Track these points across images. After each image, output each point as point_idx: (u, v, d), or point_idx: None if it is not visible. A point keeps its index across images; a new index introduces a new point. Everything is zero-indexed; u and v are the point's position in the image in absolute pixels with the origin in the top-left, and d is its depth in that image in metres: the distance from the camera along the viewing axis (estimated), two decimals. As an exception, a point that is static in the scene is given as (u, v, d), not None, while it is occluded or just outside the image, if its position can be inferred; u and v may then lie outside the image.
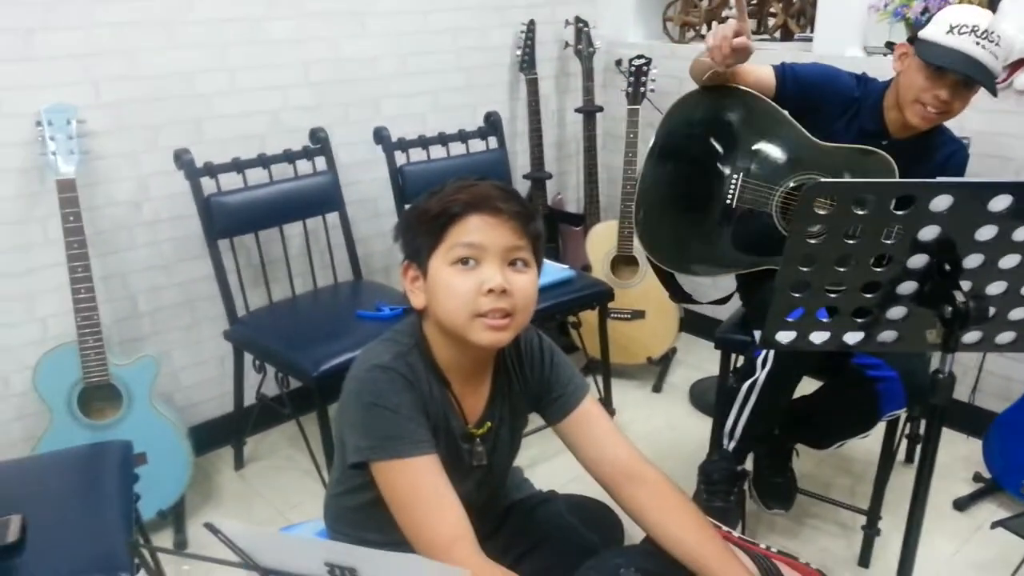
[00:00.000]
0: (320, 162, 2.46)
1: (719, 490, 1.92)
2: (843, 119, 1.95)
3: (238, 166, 2.29)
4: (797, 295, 1.27)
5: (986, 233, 1.18)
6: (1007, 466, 2.21)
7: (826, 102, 1.96)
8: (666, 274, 2.17)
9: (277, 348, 2.15)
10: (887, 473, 2.02)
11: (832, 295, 1.27)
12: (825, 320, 1.31)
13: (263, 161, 2.35)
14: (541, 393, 1.33)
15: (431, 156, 2.63)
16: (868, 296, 1.27)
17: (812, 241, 1.21)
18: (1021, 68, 2.31)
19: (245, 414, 2.47)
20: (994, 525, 1.80)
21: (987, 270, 1.22)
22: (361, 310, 2.25)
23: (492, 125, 2.75)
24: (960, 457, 2.48)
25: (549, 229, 3.23)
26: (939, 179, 1.15)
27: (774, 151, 1.97)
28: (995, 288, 1.25)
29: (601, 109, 3.19)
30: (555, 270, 2.51)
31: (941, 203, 1.16)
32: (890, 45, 2.66)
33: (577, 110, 3.21)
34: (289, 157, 2.40)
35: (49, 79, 2.07)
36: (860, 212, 1.17)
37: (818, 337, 1.33)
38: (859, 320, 1.30)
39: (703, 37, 3.22)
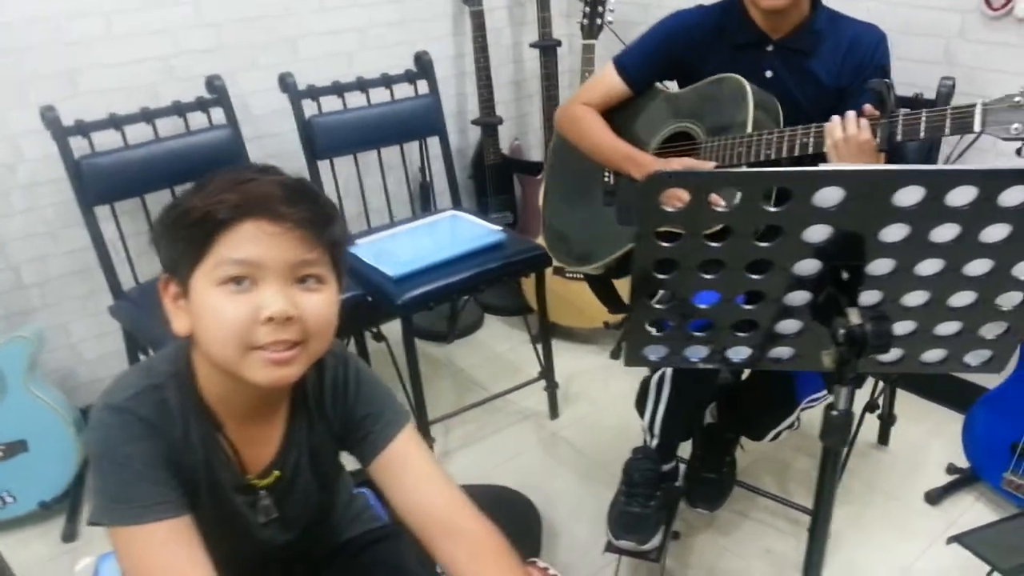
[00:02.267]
0: (217, 115, 2.19)
1: (637, 493, 1.68)
2: (717, 53, 1.71)
3: (116, 122, 2.04)
4: (658, 306, 1.00)
5: (894, 233, 0.89)
6: (988, 454, 1.94)
7: (687, 54, 1.74)
8: (599, 285, 1.99)
9: (152, 331, 1.93)
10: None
11: (703, 306, 1.00)
12: (700, 334, 1.04)
13: (147, 116, 2.08)
14: (346, 431, 1.08)
15: (349, 105, 2.34)
16: (750, 308, 1.00)
17: (666, 244, 0.94)
18: (1025, -11, 1.93)
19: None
20: (950, 540, 1.54)
21: (901, 278, 0.94)
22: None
23: (423, 67, 2.44)
24: (941, 438, 2.20)
25: (502, 179, 2.93)
26: (825, 167, 0.86)
27: (639, 117, 1.82)
28: (914, 299, 0.96)
29: (559, 44, 2.84)
30: (482, 232, 2.24)
31: (829, 197, 0.86)
32: (877, -37, 2.27)
33: (532, 45, 2.87)
34: (179, 110, 2.13)
35: None
36: (720, 208, 0.89)
37: (695, 352, 1.06)
38: (743, 335, 1.03)
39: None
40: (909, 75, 2.17)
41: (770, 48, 1.68)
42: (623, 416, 2.12)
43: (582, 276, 2.68)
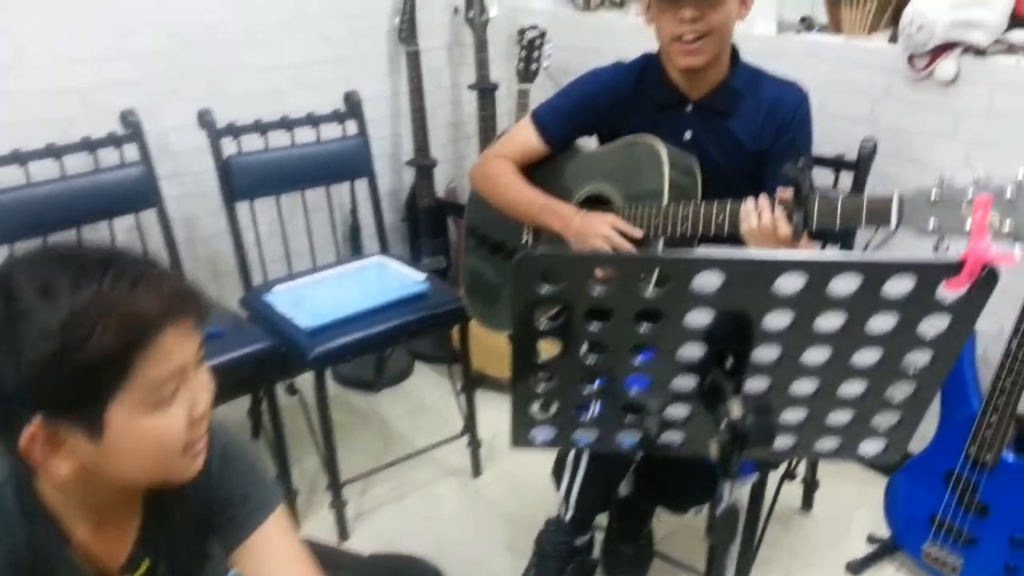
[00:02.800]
0: (131, 151, 2.10)
1: (548, 567, 1.61)
2: (637, 112, 1.67)
3: (19, 158, 1.94)
4: (538, 388, 0.94)
5: (778, 321, 0.84)
6: (908, 524, 1.90)
7: (606, 113, 1.69)
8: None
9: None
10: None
11: (586, 389, 0.94)
12: (586, 418, 0.98)
13: (53, 152, 1.99)
14: (209, 514, 0.99)
15: (274, 144, 2.26)
16: (636, 391, 0.95)
17: (542, 325, 0.88)
18: (944, 54, 1.94)
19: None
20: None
21: (788, 366, 0.89)
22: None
23: (352, 107, 2.38)
24: (866, 503, 2.16)
25: (436, 222, 2.87)
26: (702, 252, 0.81)
27: (554, 176, 1.74)
28: (802, 388, 0.92)
29: (496, 87, 2.81)
30: (406, 281, 2.17)
31: (707, 282, 0.82)
32: (805, 20, 2.29)
33: (470, 87, 2.83)
34: (89, 146, 2.04)
35: None
36: (598, 290, 0.84)
37: (584, 436, 1.00)
38: (631, 419, 0.98)
39: (615, 3, 2.83)
40: (835, 133, 2.17)
41: (689, 108, 1.65)
42: (548, 476, 2.05)
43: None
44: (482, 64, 2.78)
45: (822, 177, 1.92)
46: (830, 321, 0.83)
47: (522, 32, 2.63)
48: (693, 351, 0.88)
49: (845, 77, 2.15)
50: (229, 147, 2.19)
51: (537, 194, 1.69)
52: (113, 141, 2.07)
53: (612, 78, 1.70)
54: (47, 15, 2.04)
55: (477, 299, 1.92)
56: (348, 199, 2.51)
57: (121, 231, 2.15)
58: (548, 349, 0.89)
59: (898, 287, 0.80)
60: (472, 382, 2.33)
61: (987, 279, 0.75)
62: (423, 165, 2.80)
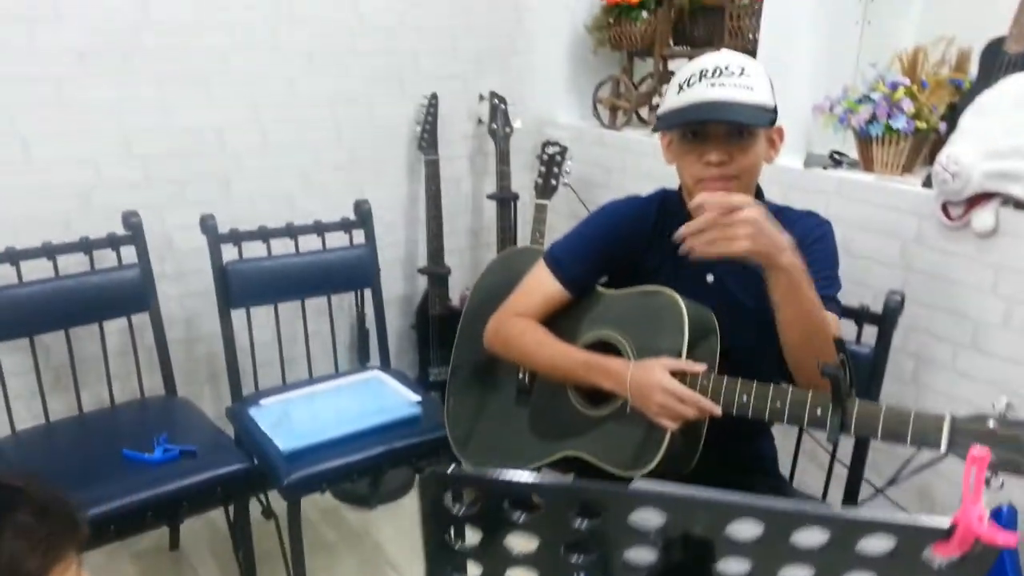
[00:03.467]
0: (128, 253, 2.07)
1: None
2: (658, 251, 1.53)
3: (11, 257, 1.91)
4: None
5: (734, 567, 0.71)
6: None
7: (624, 252, 1.55)
8: None
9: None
10: None
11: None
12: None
13: (48, 251, 1.96)
14: None
15: (279, 251, 2.21)
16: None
17: (459, 546, 0.76)
18: (980, 204, 1.81)
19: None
20: None
21: (749, 614, 0.75)
22: (129, 448, 1.83)
23: (362, 215, 2.33)
24: None
25: (448, 332, 2.78)
26: (646, 487, 0.68)
27: (562, 317, 1.58)
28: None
29: (517, 197, 2.75)
30: (398, 402, 2.07)
31: (648, 518, 0.69)
32: (835, 156, 2.19)
33: (490, 196, 2.78)
34: (86, 246, 2.01)
35: None
36: (519, 515, 0.72)
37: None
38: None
39: (642, 120, 2.78)
40: (864, 275, 2.05)
41: None
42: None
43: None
44: (503, 175, 2.73)
45: (844, 330, 1.79)
46: (795, 573, 0.70)
47: (543, 148, 2.58)
48: (636, 589, 0.75)
49: (875, 217, 2.03)
50: (230, 252, 2.15)
51: (576, 351, 1.51)
52: (111, 242, 2.04)
53: (631, 213, 1.58)
54: (54, 112, 2.05)
55: (461, 437, 1.77)
56: (355, 307, 2.44)
57: (113, 332, 2.10)
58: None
59: (876, 545, 0.66)
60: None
61: (981, 556, 0.61)
62: (435, 273, 2.73)
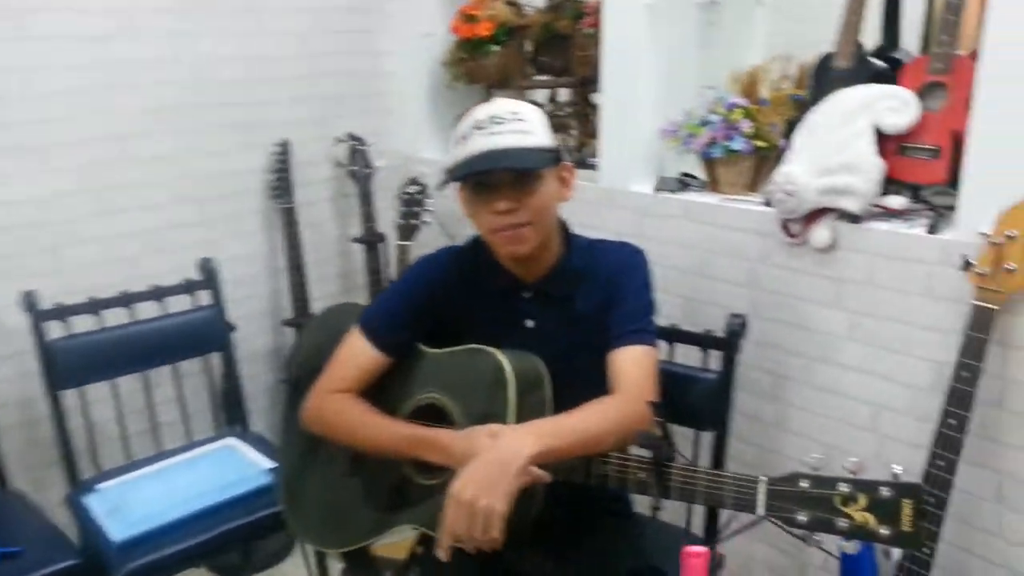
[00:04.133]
0: (-61, 339, 1.92)
1: None
2: (475, 302, 1.49)
3: None
4: None
5: None
6: None
7: (439, 307, 1.50)
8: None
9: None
10: None
11: None
12: None
13: None
14: None
15: (107, 322, 2.07)
16: None
17: None
18: (818, 220, 1.79)
19: None
20: None
21: None
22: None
23: (208, 274, 2.21)
24: None
25: (320, 384, 2.66)
26: None
27: (388, 382, 1.50)
28: None
29: (383, 238, 2.66)
30: (249, 473, 1.95)
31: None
32: (685, 178, 2.16)
33: (355, 240, 2.68)
34: None
35: None
36: None
37: None
38: None
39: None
40: (715, 295, 2.01)
41: (527, 295, 1.47)
42: None
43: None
44: (368, 217, 2.65)
45: (691, 356, 1.74)
46: None
47: (402, 189, 2.50)
48: None
49: (721, 238, 2.00)
50: (59, 329, 2.00)
51: (399, 426, 1.42)
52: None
53: (443, 265, 1.53)
54: None
55: (293, 507, 1.65)
56: (208, 371, 2.31)
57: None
58: None
59: None
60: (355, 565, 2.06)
61: None
62: (302, 324, 2.62)
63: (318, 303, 2.64)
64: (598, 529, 1.54)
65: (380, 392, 1.50)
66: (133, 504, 1.85)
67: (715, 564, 1.70)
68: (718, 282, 2.02)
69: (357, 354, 1.48)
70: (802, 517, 1.09)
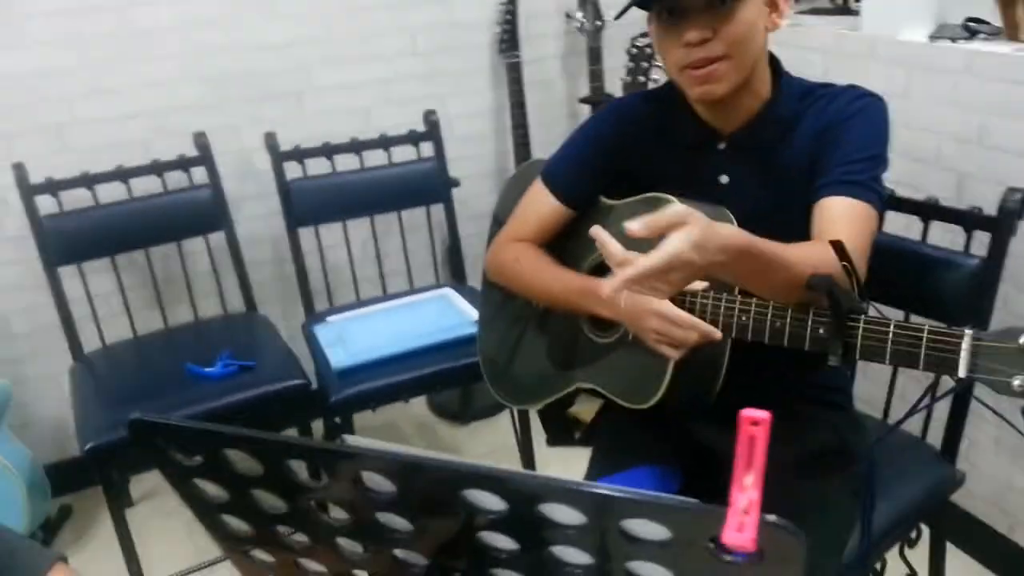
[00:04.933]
0: (199, 173, 2.12)
1: None
2: (663, 155, 1.32)
3: (87, 181, 2.01)
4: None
5: (498, 542, 0.56)
6: None
7: (626, 154, 1.34)
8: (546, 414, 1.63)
9: (83, 405, 1.86)
10: None
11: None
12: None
13: (122, 174, 2.04)
14: None
15: (338, 168, 2.17)
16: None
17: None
18: None
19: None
20: None
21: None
22: (193, 363, 1.90)
23: (430, 127, 2.23)
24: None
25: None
26: (360, 444, 0.54)
27: (570, 235, 1.41)
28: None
29: (609, 98, 2.51)
30: (459, 321, 1.99)
31: (378, 483, 0.56)
32: (971, 23, 1.76)
33: (582, 100, 2.57)
34: (157, 169, 2.08)
35: None
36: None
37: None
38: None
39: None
40: (1004, 170, 1.66)
41: (722, 146, 1.28)
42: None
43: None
44: (595, 76, 2.50)
45: (950, 237, 1.45)
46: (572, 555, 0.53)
47: (632, 41, 2.31)
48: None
49: (1013, 98, 1.62)
50: (295, 171, 2.14)
51: (571, 276, 1.37)
52: (181, 164, 2.10)
53: (633, 112, 1.37)
54: (121, 40, 2.11)
55: (493, 371, 1.63)
56: (436, 222, 2.36)
57: (190, 253, 2.18)
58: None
59: (647, 530, 0.49)
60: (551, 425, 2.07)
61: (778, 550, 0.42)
62: (526, 186, 2.58)
63: (544, 164, 2.59)
64: (805, 418, 1.37)
65: (563, 247, 1.42)
66: (356, 337, 1.98)
67: (952, 481, 1.47)
68: (1003, 153, 1.66)
69: (538, 205, 1.41)
70: (1018, 381, 0.85)
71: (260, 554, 0.67)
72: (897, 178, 1.20)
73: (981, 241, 1.41)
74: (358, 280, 2.24)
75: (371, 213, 2.21)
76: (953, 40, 1.73)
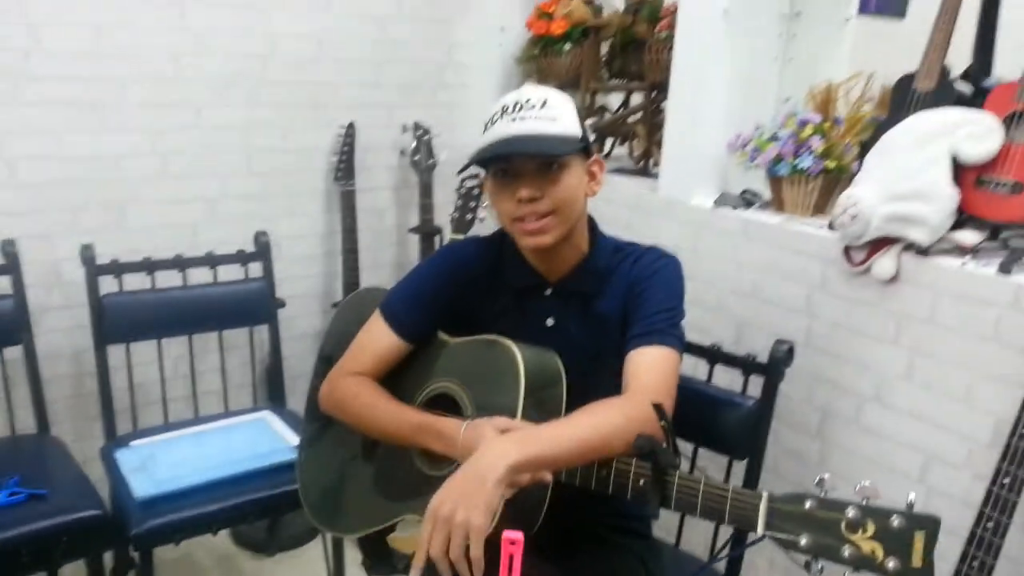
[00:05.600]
0: (2, 282, 1.99)
1: None
2: (497, 297, 1.44)
3: None
4: None
5: None
6: None
7: (462, 298, 1.46)
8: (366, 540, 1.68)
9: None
10: None
11: None
12: None
13: None
14: None
15: (160, 284, 2.12)
16: None
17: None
18: (882, 249, 1.68)
19: None
20: None
21: None
22: (-23, 488, 1.73)
23: (260, 248, 2.24)
24: None
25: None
26: None
27: (405, 368, 1.48)
28: None
29: (439, 231, 2.65)
30: (276, 447, 1.95)
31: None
32: (747, 195, 2.07)
33: (412, 230, 2.68)
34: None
35: None
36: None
37: None
38: None
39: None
40: (771, 320, 1.92)
41: (548, 292, 1.42)
42: None
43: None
44: (426, 209, 2.64)
45: (730, 378, 1.66)
46: None
47: (462, 181, 2.48)
48: None
49: (781, 261, 1.90)
50: (111, 285, 2.06)
51: (409, 412, 1.40)
52: (-14, 274, 1.96)
53: (469, 255, 1.49)
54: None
55: (307, 490, 1.64)
56: (257, 341, 2.34)
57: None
58: None
59: None
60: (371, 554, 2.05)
61: None
62: (352, 309, 2.63)
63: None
64: (611, 546, 1.48)
65: (398, 379, 1.48)
66: (161, 464, 1.88)
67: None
68: (773, 307, 1.93)
69: (376, 338, 1.46)
70: (804, 541, 1.00)
71: None
72: (688, 323, 1.38)
73: (756, 383, 1.62)
74: (168, 401, 2.15)
75: (191, 332, 2.16)
76: (733, 208, 2.02)
